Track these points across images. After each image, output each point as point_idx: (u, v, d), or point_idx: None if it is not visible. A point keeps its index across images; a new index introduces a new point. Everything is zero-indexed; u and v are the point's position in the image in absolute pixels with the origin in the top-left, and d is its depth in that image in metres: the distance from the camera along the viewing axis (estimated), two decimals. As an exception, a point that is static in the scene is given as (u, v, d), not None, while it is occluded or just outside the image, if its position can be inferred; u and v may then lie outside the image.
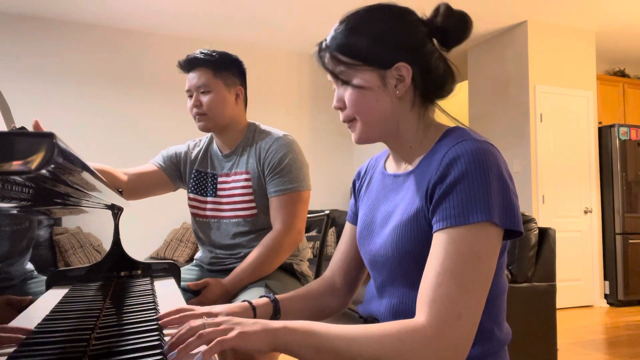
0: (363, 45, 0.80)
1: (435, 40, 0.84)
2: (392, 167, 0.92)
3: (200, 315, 0.80)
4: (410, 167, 0.85)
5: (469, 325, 0.65)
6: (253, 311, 0.89)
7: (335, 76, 0.83)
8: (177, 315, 0.79)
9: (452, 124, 0.85)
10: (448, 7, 0.82)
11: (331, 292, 1.02)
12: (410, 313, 0.78)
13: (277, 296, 0.94)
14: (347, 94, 0.82)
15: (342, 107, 0.85)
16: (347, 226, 1.05)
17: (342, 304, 1.03)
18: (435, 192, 0.73)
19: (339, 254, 1.04)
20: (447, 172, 0.72)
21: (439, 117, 0.88)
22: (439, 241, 0.70)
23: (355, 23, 0.82)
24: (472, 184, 0.69)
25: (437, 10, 0.83)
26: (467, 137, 0.75)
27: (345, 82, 0.82)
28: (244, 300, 0.91)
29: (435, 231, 0.71)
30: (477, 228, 0.68)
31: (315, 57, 0.86)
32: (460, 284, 0.66)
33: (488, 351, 0.78)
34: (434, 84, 0.83)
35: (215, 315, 0.82)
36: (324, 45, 0.84)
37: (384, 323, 0.68)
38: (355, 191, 1.03)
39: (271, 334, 0.65)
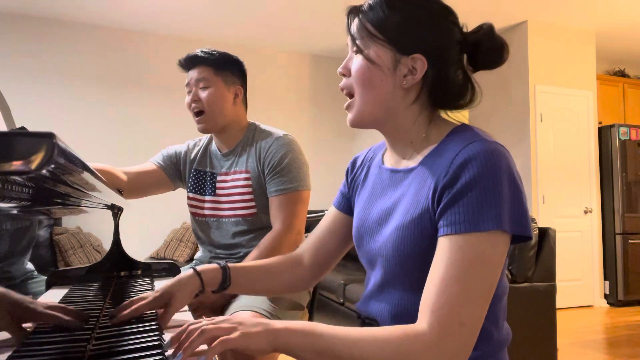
0: (392, 21, 0.78)
1: (465, 56, 0.82)
2: (390, 161, 0.88)
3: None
4: (411, 164, 0.82)
5: (470, 333, 0.65)
6: (199, 277, 0.88)
7: (353, 41, 0.81)
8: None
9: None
10: (491, 29, 0.80)
11: (293, 270, 0.99)
12: (409, 316, 0.77)
13: (229, 264, 0.92)
14: (357, 62, 0.80)
15: (345, 74, 0.83)
16: (331, 210, 1.01)
17: (304, 285, 1.01)
18: (444, 195, 0.71)
19: (314, 235, 1.01)
20: (458, 175, 0.69)
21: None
22: (445, 246, 0.68)
23: None
24: (484, 190, 0.67)
25: (480, 27, 0.81)
26: (478, 138, 0.72)
27: (360, 50, 0.80)
28: (190, 267, 0.90)
29: (442, 235, 0.70)
30: (486, 236, 0.66)
31: (345, 14, 0.84)
32: (464, 292, 0.65)
33: (486, 353, 0.77)
34: (446, 92, 0.80)
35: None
36: (357, 9, 0.82)
37: (386, 327, 0.67)
38: (348, 180, 0.99)
39: (272, 334, 0.65)
